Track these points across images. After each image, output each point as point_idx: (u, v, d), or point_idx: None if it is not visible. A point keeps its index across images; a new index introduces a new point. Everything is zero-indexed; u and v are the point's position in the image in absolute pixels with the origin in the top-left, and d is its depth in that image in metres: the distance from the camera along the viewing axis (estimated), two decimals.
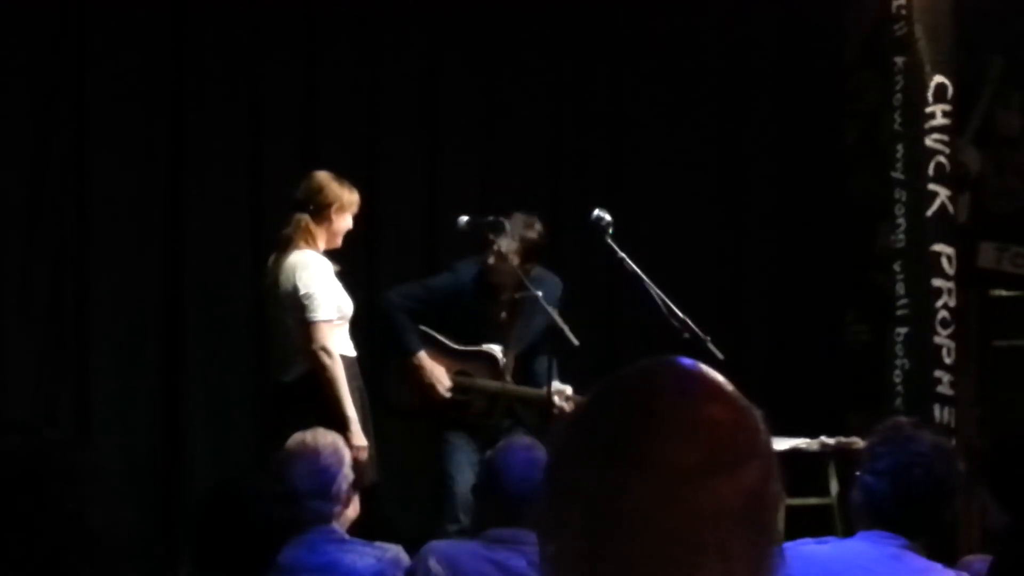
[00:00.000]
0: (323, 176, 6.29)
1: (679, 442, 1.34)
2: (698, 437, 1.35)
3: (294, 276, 6.12)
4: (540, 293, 6.34)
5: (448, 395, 6.57)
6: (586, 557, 1.35)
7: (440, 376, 6.58)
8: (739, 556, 1.35)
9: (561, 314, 6.35)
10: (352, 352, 6.26)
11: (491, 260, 6.49)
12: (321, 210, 6.21)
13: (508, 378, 6.62)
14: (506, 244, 6.47)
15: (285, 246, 6.21)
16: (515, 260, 6.47)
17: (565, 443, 1.41)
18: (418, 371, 6.57)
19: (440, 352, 6.63)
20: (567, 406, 6.36)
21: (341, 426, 5.81)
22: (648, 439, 1.35)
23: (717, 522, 1.33)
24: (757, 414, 1.40)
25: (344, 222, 6.26)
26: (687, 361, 1.41)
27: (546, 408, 6.34)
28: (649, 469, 1.34)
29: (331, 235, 6.26)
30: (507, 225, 6.48)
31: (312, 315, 6.08)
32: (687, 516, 1.33)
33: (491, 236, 6.45)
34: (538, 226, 6.58)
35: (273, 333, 6.48)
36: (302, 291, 6.09)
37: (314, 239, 6.20)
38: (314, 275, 6.12)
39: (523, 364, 6.73)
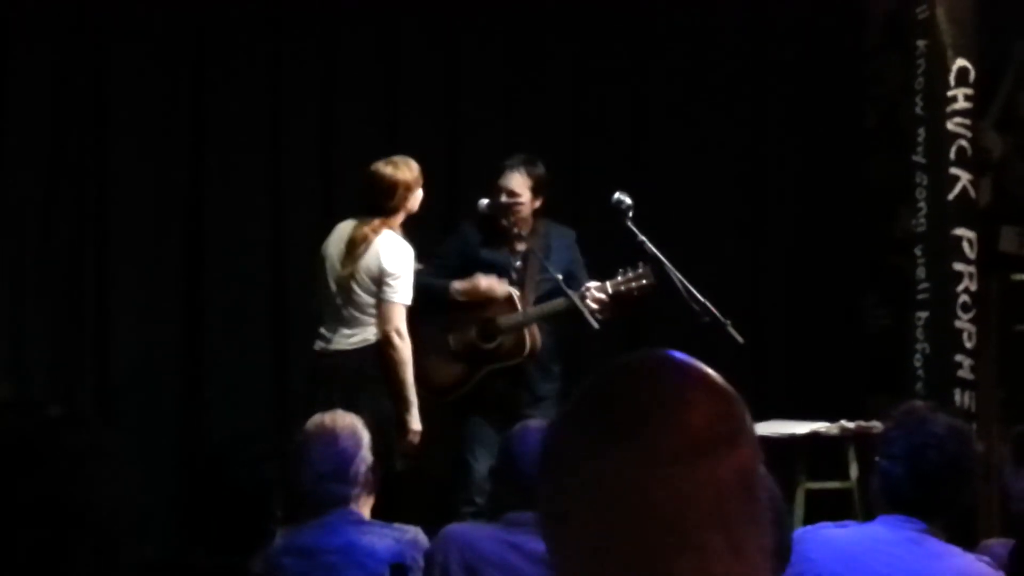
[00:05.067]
0: (384, 171, 6.25)
1: (663, 426, 1.41)
2: (681, 421, 1.41)
3: (380, 255, 6.17)
4: (548, 256, 6.44)
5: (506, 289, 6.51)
6: (597, 542, 1.40)
7: (487, 282, 6.51)
8: (741, 531, 1.41)
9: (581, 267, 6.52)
10: None
11: (502, 198, 6.49)
12: (397, 208, 6.25)
13: (529, 306, 6.55)
14: (515, 180, 6.48)
15: (364, 238, 6.20)
16: (527, 196, 6.49)
17: (561, 435, 1.47)
18: (466, 294, 6.52)
19: (456, 312, 6.59)
20: (603, 296, 6.33)
21: (401, 406, 6.03)
22: (634, 424, 1.41)
23: (715, 499, 1.40)
24: (742, 403, 1.46)
25: (416, 200, 6.32)
26: (675, 353, 1.48)
27: (578, 312, 6.25)
28: (639, 452, 1.40)
29: (408, 214, 6.33)
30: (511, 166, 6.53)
31: (394, 295, 6.17)
32: (683, 495, 1.39)
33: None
34: (540, 165, 6.58)
35: (334, 304, 6.30)
36: (389, 271, 6.16)
37: (396, 226, 6.27)
38: (402, 258, 6.20)
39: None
